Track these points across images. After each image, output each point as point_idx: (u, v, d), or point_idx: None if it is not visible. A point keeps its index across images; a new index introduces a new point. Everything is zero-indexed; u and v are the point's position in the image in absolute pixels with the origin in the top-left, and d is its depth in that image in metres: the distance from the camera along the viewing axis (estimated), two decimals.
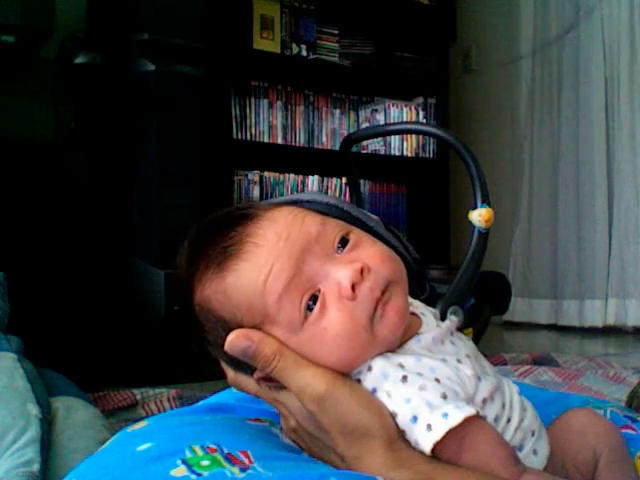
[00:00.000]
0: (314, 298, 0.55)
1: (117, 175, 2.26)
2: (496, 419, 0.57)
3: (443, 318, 0.63)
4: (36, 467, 0.94)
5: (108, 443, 0.64)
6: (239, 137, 2.99)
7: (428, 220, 3.46)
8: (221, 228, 0.57)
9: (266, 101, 3.08)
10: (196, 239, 0.59)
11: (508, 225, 3.58)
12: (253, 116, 3.04)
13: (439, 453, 0.53)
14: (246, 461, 0.55)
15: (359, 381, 0.56)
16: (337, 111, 3.32)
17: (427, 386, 0.54)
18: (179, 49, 2.21)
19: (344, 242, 0.57)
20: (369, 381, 0.55)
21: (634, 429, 0.77)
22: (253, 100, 3.04)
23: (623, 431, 0.70)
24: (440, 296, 1.04)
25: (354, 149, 2.84)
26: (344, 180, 3.16)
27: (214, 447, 0.56)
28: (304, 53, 3.15)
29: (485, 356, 0.63)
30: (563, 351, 2.49)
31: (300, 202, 0.72)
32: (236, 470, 0.53)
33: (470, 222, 1.08)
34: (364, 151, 3.39)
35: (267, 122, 3.08)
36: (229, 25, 2.85)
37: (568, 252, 3.40)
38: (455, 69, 3.78)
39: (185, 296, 0.59)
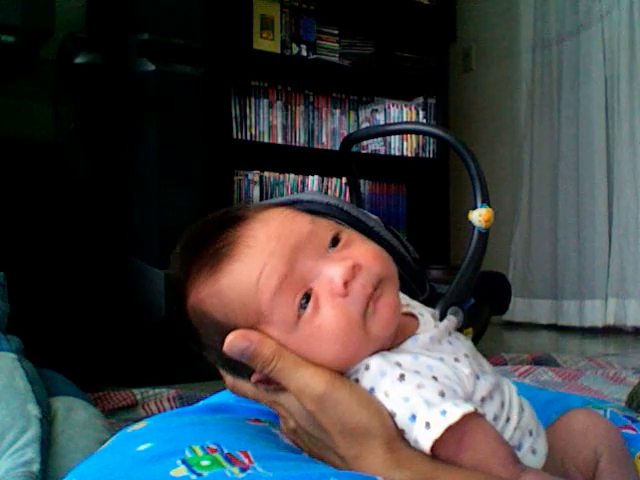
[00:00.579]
0: (307, 297, 0.55)
1: (117, 175, 2.26)
2: (495, 418, 0.57)
3: (443, 318, 0.63)
4: (36, 467, 0.94)
5: (108, 443, 0.64)
6: (239, 137, 2.99)
7: (428, 220, 3.46)
8: (213, 231, 0.57)
9: (266, 101, 3.08)
10: (188, 243, 0.59)
11: (508, 225, 3.58)
12: (253, 116, 3.04)
13: (438, 452, 0.53)
14: (246, 461, 0.55)
15: (357, 380, 0.56)
16: (337, 111, 3.32)
17: (425, 384, 0.54)
18: (179, 49, 2.21)
19: (335, 241, 0.57)
20: (367, 380, 0.55)
21: (634, 429, 0.77)
22: (253, 100, 3.04)
23: (623, 431, 0.70)
24: (440, 296, 1.04)
25: (354, 149, 2.84)
26: (344, 180, 3.16)
27: (214, 447, 0.56)
28: (304, 53, 3.15)
29: (485, 356, 0.63)
30: (563, 351, 2.49)
31: (300, 202, 0.72)
32: (236, 470, 0.53)
33: (470, 222, 1.08)
34: (364, 151, 3.39)
35: (267, 122, 3.08)
36: (229, 25, 2.85)
37: (568, 252, 3.40)
38: (455, 69, 3.78)
39: (179, 300, 0.59)
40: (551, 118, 3.52)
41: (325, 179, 3.20)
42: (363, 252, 0.57)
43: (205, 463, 0.54)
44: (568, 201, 3.42)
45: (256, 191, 3.01)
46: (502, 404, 0.58)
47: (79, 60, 2.16)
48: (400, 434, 0.54)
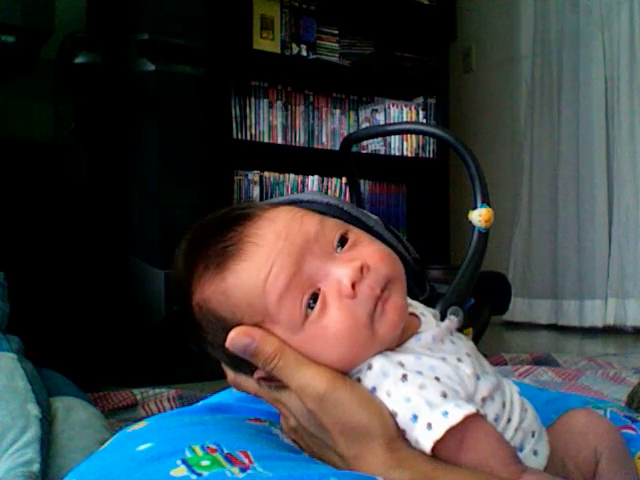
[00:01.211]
0: (314, 297, 0.55)
1: (117, 175, 2.26)
2: (496, 418, 0.57)
3: (443, 318, 0.63)
4: (36, 467, 0.94)
5: (108, 443, 0.64)
6: (239, 137, 2.99)
7: (428, 220, 3.46)
8: (219, 229, 0.57)
9: (266, 101, 3.08)
10: (194, 240, 0.59)
11: (508, 225, 3.58)
12: (253, 116, 3.04)
13: (439, 452, 0.53)
14: (246, 461, 0.55)
15: (359, 380, 0.56)
16: (337, 111, 3.32)
17: (427, 385, 0.54)
18: (179, 49, 2.21)
19: (343, 241, 0.57)
20: (369, 380, 0.55)
21: (634, 429, 0.77)
22: (253, 100, 3.04)
23: (623, 431, 0.70)
24: (440, 296, 1.04)
25: (354, 149, 2.84)
26: (344, 180, 3.16)
27: (214, 447, 0.56)
28: (304, 53, 3.15)
29: (485, 356, 0.63)
30: (563, 351, 2.49)
31: (300, 202, 0.72)
32: (236, 470, 0.53)
33: (470, 222, 1.08)
34: (364, 151, 3.39)
35: (267, 122, 3.08)
36: (229, 25, 2.85)
37: (568, 252, 3.40)
38: (455, 69, 3.78)
39: (183, 297, 0.58)
40: (551, 118, 3.52)
41: (325, 179, 3.20)
42: (371, 252, 0.57)
43: (205, 463, 0.54)
44: (568, 201, 3.42)
45: (256, 191, 3.01)
46: (503, 404, 0.58)
47: (79, 60, 2.16)
48: (401, 434, 0.54)
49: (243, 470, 0.53)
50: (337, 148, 3.04)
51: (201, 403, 0.74)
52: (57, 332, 1.95)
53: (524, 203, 3.60)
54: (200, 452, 0.56)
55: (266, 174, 3.06)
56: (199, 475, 0.53)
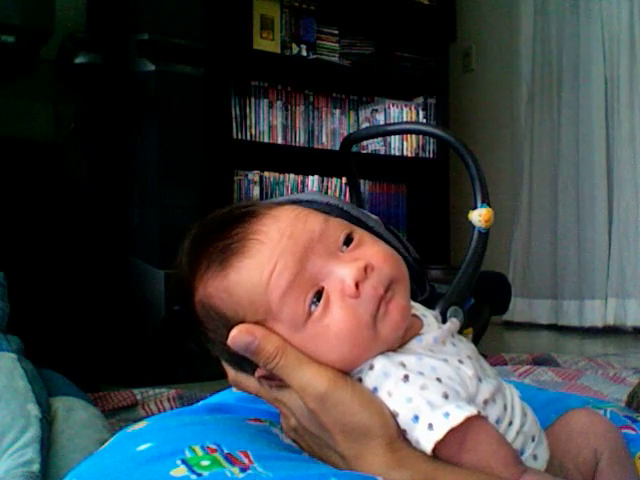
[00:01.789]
0: (317, 296, 0.55)
1: (117, 175, 2.26)
2: (498, 421, 0.57)
3: (443, 318, 0.63)
4: (36, 467, 0.94)
5: (108, 443, 0.64)
6: (239, 137, 2.99)
7: (428, 220, 3.46)
8: (223, 226, 0.57)
9: (266, 101, 3.08)
10: (197, 237, 0.58)
11: (508, 225, 3.58)
12: (253, 116, 3.04)
13: (440, 453, 0.53)
14: (246, 461, 0.55)
15: (360, 380, 0.56)
16: (337, 111, 3.32)
17: (428, 385, 0.54)
18: (179, 49, 2.21)
19: (347, 241, 0.57)
20: (370, 380, 0.55)
21: (634, 429, 0.77)
22: (253, 100, 3.04)
23: (623, 431, 0.70)
24: (440, 296, 1.04)
25: (354, 149, 2.84)
26: (344, 180, 3.16)
27: (214, 447, 0.56)
28: (304, 53, 3.15)
29: (485, 357, 0.63)
30: (563, 351, 2.49)
31: (300, 202, 0.72)
32: (236, 470, 0.53)
33: (470, 222, 1.08)
34: (364, 151, 3.39)
35: (267, 122, 3.08)
36: (229, 25, 2.85)
37: (568, 252, 3.40)
38: (455, 69, 3.78)
39: (186, 294, 0.58)
40: (551, 118, 3.52)
41: (325, 179, 3.20)
42: (374, 253, 0.57)
43: (205, 463, 0.54)
44: (568, 201, 3.42)
45: (256, 191, 3.01)
46: (505, 407, 0.58)
47: (79, 60, 2.16)
48: (401, 434, 0.54)
49: (243, 470, 0.53)
50: (337, 148, 3.04)
51: (201, 403, 0.73)
52: (57, 332, 1.95)
53: (524, 203, 3.60)
54: (200, 452, 0.56)
55: (266, 174, 3.06)
56: (199, 475, 0.53)
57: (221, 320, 0.56)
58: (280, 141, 3.12)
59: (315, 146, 3.23)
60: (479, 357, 0.60)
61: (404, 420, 0.54)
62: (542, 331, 3.41)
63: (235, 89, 2.98)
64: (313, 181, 3.18)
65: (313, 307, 0.55)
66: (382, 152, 3.40)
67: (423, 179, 3.50)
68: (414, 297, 0.63)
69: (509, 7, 3.71)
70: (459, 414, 0.52)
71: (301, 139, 3.19)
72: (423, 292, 1.12)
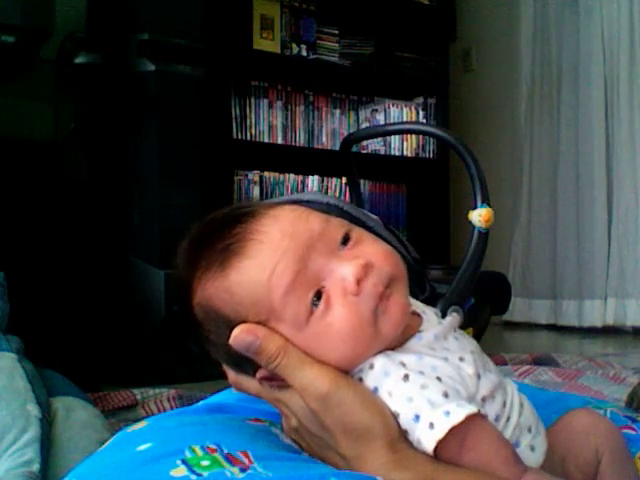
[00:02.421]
0: (319, 294, 0.55)
1: (117, 175, 2.26)
2: (497, 418, 0.57)
3: (443, 317, 0.63)
4: (36, 467, 0.94)
5: (108, 443, 0.64)
6: (239, 137, 2.99)
7: (428, 220, 3.46)
8: (222, 227, 0.57)
9: (266, 101, 3.08)
10: (196, 238, 0.58)
11: (507, 225, 3.58)
12: (253, 116, 3.04)
13: (441, 452, 0.53)
14: (246, 461, 0.55)
15: (361, 379, 0.56)
16: (337, 111, 3.32)
17: (429, 385, 0.54)
18: (179, 49, 2.21)
19: (346, 239, 0.57)
20: (371, 379, 0.55)
21: (634, 429, 0.77)
22: (253, 100, 3.04)
23: (623, 431, 0.70)
24: (440, 296, 1.04)
25: (354, 149, 2.84)
26: (344, 180, 3.16)
27: (214, 447, 0.56)
28: (304, 53, 3.15)
29: None
30: (562, 351, 2.49)
31: (300, 202, 0.72)
32: (236, 470, 0.53)
33: (470, 222, 1.08)
34: (364, 151, 3.39)
35: (267, 122, 3.08)
36: (229, 25, 2.85)
37: (567, 252, 3.40)
38: (455, 69, 3.78)
39: (185, 296, 0.58)
40: (551, 118, 3.52)
41: (325, 179, 3.20)
42: (374, 251, 0.57)
43: (205, 463, 0.54)
44: (568, 201, 3.42)
45: (256, 191, 3.01)
46: (504, 404, 0.58)
47: (79, 60, 2.16)
48: (402, 435, 0.54)
49: (243, 470, 0.53)
50: (337, 148, 3.03)
51: (201, 403, 0.74)
52: (57, 332, 1.95)
53: (524, 203, 3.60)
54: (200, 452, 0.56)
55: (266, 174, 3.06)
56: (199, 475, 0.53)
57: (222, 321, 0.56)
58: (280, 141, 3.12)
59: (315, 146, 3.23)
60: (481, 352, 0.61)
61: (405, 420, 0.54)
62: (541, 331, 3.41)
63: (235, 89, 2.98)
64: (313, 181, 3.18)
65: (315, 306, 0.55)
66: (382, 152, 3.39)
67: (423, 179, 3.50)
68: (414, 297, 0.63)
69: (509, 7, 3.72)
70: (460, 412, 0.52)
71: (301, 139, 3.19)
72: (423, 292, 1.12)
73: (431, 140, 3.48)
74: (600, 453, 0.61)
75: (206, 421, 0.63)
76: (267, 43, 3.03)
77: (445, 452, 0.53)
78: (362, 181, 3.31)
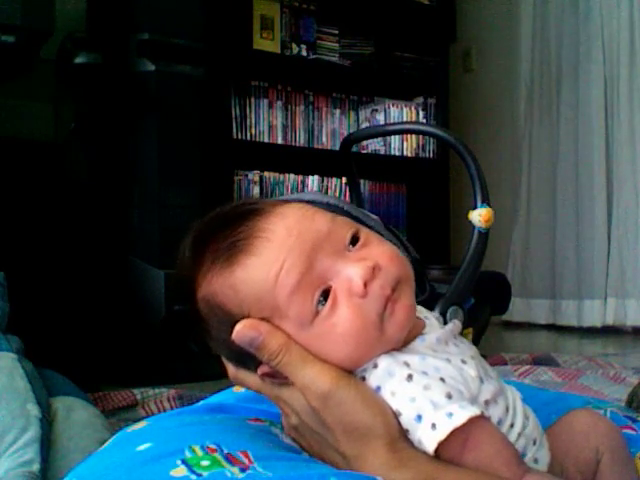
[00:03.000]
0: (325, 294, 0.55)
1: (117, 175, 2.26)
2: (499, 422, 0.57)
3: (444, 318, 0.63)
4: (36, 467, 0.95)
5: (108, 443, 0.64)
6: (239, 137, 2.99)
7: (428, 220, 3.46)
8: (228, 223, 0.57)
9: (266, 101, 3.08)
10: (201, 234, 0.58)
11: (507, 225, 3.58)
12: (253, 116, 3.04)
13: (442, 453, 0.53)
14: (246, 461, 0.55)
15: (364, 378, 0.56)
16: (337, 111, 3.32)
17: (432, 385, 0.54)
18: (179, 49, 2.21)
19: (354, 240, 0.57)
20: (374, 379, 0.55)
21: (634, 429, 0.77)
22: (253, 100, 3.04)
23: (623, 431, 0.70)
24: (440, 296, 1.04)
25: (354, 149, 2.84)
26: (344, 180, 3.16)
27: (214, 447, 0.56)
28: (304, 53, 3.15)
29: (484, 356, 0.63)
30: (562, 351, 2.49)
31: (301, 202, 0.71)
32: (236, 470, 0.53)
33: (470, 222, 1.08)
34: (364, 151, 3.39)
35: (267, 122, 3.08)
36: (229, 25, 2.85)
37: (567, 252, 3.40)
38: (455, 69, 3.78)
39: (189, 290, 0.58)
40: (550, 118, 3.52)
41: (325, 179, 3.20)
42: (381, 253, 0.57)
43: (205, 463, 0.54)
44: (567, 201, 3.42)
45: (256, 191, 3.01)
46: (507, 409, 0.57)
47: (79, 60, 2.16)
48: (403, 434, 0.54)
49: (243, 470, 0.53)
50: (337, 148, 3.03)
51: (201, 403, 0.73)
52: (57, 332, 1.95)
53: (523, 203, 3.60)
54: (200, 452, 0.56)
55: (266, 174, 3.06)
56: (199, 475, 0.53)
57: (225, 317, 0.56)
58: (280, 141, 3.12)
59: (315, 146, 3.23)
60: (481, 359, 0.60)
61: (407, 419, 0.54)
62: (541, 331, 3.41)
63: (235, 89, 2.98)
64: (313, 181, 3.18)
65: (320, 306, 0.55)
66: (382, 152, 3.39)
67: (423, 179, 3.50)
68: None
69: (509, 7, 3.72)
70: (462, 414, 0.52)
71: (301, 139, 3.19)
72: (423, 292, 1.12)
73: (431, 140, 3.48)
74: (600, 453, 0.61)
75: (206, 421, 0.63)
76: (267, 43, 3.04)
77: (446, 452, 0.53)
78: (362, 181, 3.31)
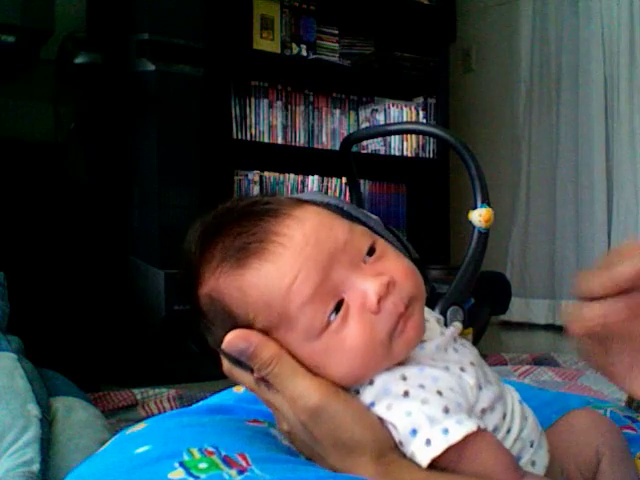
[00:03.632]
0: (337, 307, 0.53)
1: (117, 175, 2.26)
2: (495, 429, 0.56)
3: (444, 317, 0.63)
4: (36, 467, 0.95)
5: (107, 445, 0.64)
6: (239, 137, 2.99)
7: (428, 220, 3.46)
8: (241, 220, 0.55)
9: (266, 101, 3.08)
10: (212, 227, 0.56)
11: (506, 225, 3.57)
12: (253, 116, 3.03)
13: (436, 464, 0.52)
14: (244, 464, 0.54)
15: (357, 392, 0.55)
16: (337, 111, 3.32)
17: (429, 400, 0.53)
18: (179, 49, 2.21)
19: (370, 252, 0.56)
20: (368, 394, 0.54)
21: (634, 429, 0.77)
22: (253, 100, 3.04)
23: (623, 431, 0.70)
24: (440, 296, 1.04)
25: (354, 149, 2.84)
26: (344, 180, 3.16)
27: (212, 450, 0.56)
28: (304, 53, 3.15)
29: (484, 356, 0.62)
30: (561, 351, 2.49)
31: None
32: (234, 473, 0.53)
33: (470, 222, 1.08)
34: (364, 151, 3.39)
35: (267, 122, 3.08)
36: (229, 25, 2.85)
37: (566, 252, 3.40)
38: (455, 69, 3.77)
39: (193, 282, 0.56)
40: (550, 118, 3.52)
41: (325, 179, 3.20)
42: (396, 268, 0.55)
43: (203, 466, 0.54)
44: (566, 201, 3.42)
45: (256, 191, 3.01)
46: (504, 415, 0.57)
47: (79, 60, 2.16)
48: (394, 446, 0.53)
49: (240, 473, 0.53)
50: (337, 148, 3.03)
51: (201, 403, 0.73)
52: (57, 332, 1.95)
53: (522, 203, 3.60)
54: (198, 455, 0.55)
55: (266, 174, 3.05)
56: (196, 478, 0.53)
57: (227, 317, 0.55)
58: (280, 141, 3.12)
59: (315, 146, 3.23)
60: (482, 363, 0.59)
61: (402, 432, 0.53)
62: (540, 331, 3.41)
63: (235, 89, 2.98)
64: (313, 181, 3.18)
65: (331, 319, 0.53)
66: (382, 152, 3.39)
67: (423, 179, 3.50)
68: None
69: (509, 7, 3.71)
70: (459, 431, 0.51)
71: (301, 139, 3.19)
72: None
73: (431, 140, 3.48)
74: (600, 453, 0.60)
75: (205, 422, 0.63)
76: (267, 43, 3.03)
77: (441, 463, 0.52)
78: (362, 181, 3.30)
